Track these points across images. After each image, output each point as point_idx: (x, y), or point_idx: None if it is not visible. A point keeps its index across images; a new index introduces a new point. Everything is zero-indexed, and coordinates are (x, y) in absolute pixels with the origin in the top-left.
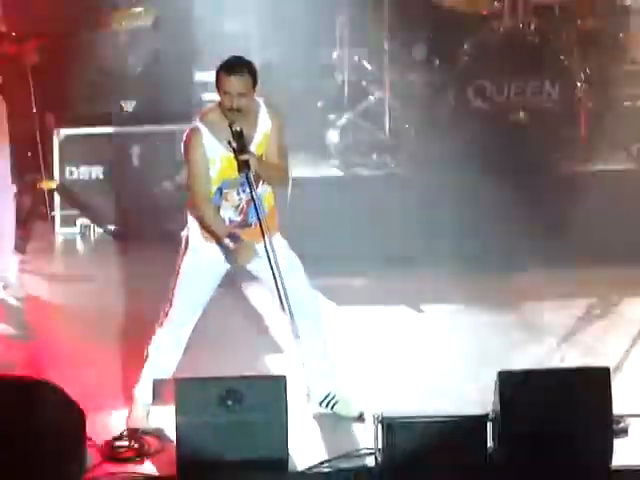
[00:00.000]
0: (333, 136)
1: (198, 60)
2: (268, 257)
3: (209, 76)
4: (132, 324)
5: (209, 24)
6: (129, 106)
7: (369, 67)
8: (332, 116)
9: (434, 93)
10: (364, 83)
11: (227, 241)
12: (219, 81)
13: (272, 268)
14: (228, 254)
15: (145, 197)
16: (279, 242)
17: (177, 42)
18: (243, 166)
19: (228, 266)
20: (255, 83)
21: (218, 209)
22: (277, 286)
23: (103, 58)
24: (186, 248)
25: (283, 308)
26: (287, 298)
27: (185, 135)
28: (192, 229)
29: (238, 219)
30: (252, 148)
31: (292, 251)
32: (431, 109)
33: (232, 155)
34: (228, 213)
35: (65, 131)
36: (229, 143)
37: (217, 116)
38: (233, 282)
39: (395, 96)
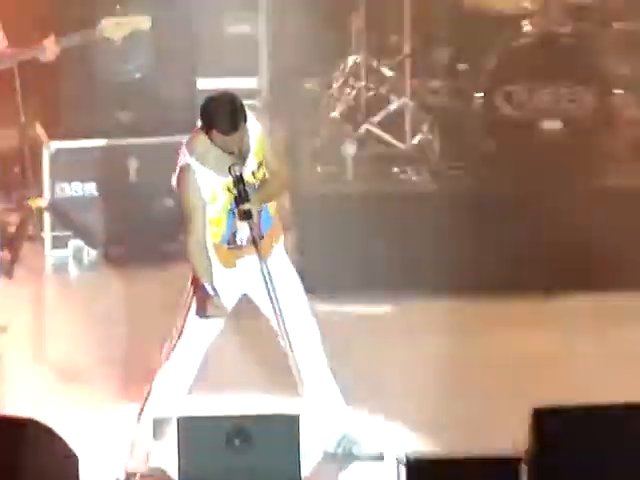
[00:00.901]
0: (350, 148)
1: (200, 66)
2: (265, 282)
3: (213, 83)
4: (131, 357)
5: (212, 27)
6: (126, 117)
7: (388, 73)
8: (349, 126)
9: (459, 100)
10: (383, 90)
11: (208, 287)
12: (212, 135)
13: (270, 296)
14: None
15: (144, 215)
16: (281, 254)
17: (177, 47)
18: (244, 215)
19: (241, 293)
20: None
21: (234, 235)
22: (275, 313)
23: (97, 65)
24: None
25: (282, 336)
26: (286, 329)
27: (177, 173)
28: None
29: (251, 234)
30: (251, 156)
31: (290, 264)
32: (456, 118)
33: (231, 186)
34: (245, 233)
35: (56, 144)
36: (228, 189)
37: (207, 145)
38: (243, 313)
39: (417, 104)
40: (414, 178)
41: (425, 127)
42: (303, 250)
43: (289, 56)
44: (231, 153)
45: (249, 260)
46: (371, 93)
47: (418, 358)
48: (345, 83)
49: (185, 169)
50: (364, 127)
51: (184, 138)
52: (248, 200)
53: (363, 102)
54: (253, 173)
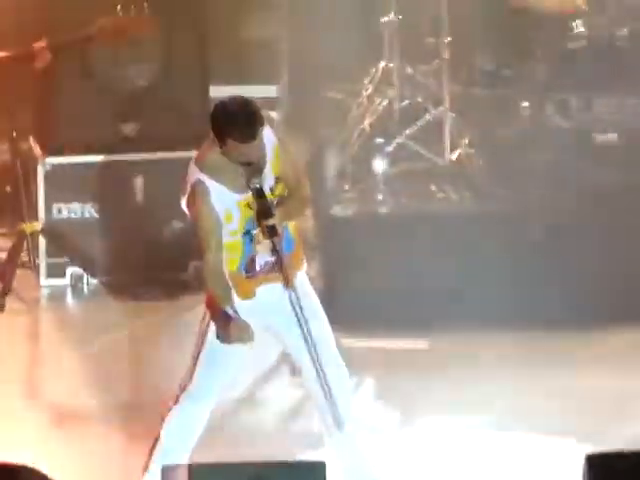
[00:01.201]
0: (381, 164)
1: (214, 72)
2: (295, 312)
3: (227, 91)
4: (136, 398)
5: (227, 28)
6: (130, 129)
7: (424, 79)
8: (380, 139)
9: (504, 110)
10: (419, 99)
11: (229, 310)
12: (227, 146)
13: (302, 327)
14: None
15: (151, 240)
16: (304, 281)
17: (187, 51)
18: (269, 232)
19: (263, 326)
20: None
21: (253, 261)
22: (309, 348)
23: (97, 71)
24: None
25: (316, 375)
26: (321, 366)
27: (188, 191)
28: None
29: (273, 258)
30: (268, 169)
31: (314, 293)
32: (501, 129)
33: (249, 201)
34: (264, 257)
35: (52, 160)
36: (247, 206)
37: (219, 158)
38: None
39: (457, 114)
40: (454, 197)
41: (466, 140)
42: (328, 278)
43: (313, 61)
44: (248, 164)
45: (269, 288)
46: (405, 102)
47: (462, 400)
48: (376, 91)
49: (197, 187)
50: (397, 140)
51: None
52: (272, 215)
53: (396, 112)
54: (271, 189)
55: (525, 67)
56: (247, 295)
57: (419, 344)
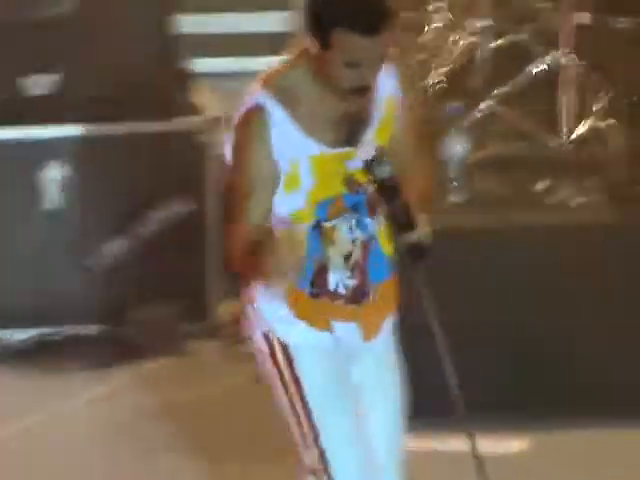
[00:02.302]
0: (457, 144)
1: None
2: None
3: (203, 23)
4: None
5: None
6: (42, 85)
7: (531, 3)
8: (456, 103)
9: None
10: (522, 36)
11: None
12: (333, 45)
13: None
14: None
15: (74, 273)
16: (390, 334)
17: None
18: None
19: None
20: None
21: (324, 271)
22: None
23: None
24: (288, 358)
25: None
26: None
27: (237, 121)
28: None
29: (352, 282)
30: (371, 134)
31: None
32: None
33: (335, 156)
34: (336, 276)
35: None
36: (327, 166)
37: (306, 77)
38: None
39: (586, 63)
40: (576, 200)
41: (598, 105)
42: None
43: None
44: (360, 91)
45: (351, 329)
46: (499, 41)
47: None
48: (451, 22)
49: (254, 114)
50: (484, 105)
51: (152, 125)
52: (399, 191)
53: (483, 59)
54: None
55: None
56: (315, 324)
57: (513, 446)
